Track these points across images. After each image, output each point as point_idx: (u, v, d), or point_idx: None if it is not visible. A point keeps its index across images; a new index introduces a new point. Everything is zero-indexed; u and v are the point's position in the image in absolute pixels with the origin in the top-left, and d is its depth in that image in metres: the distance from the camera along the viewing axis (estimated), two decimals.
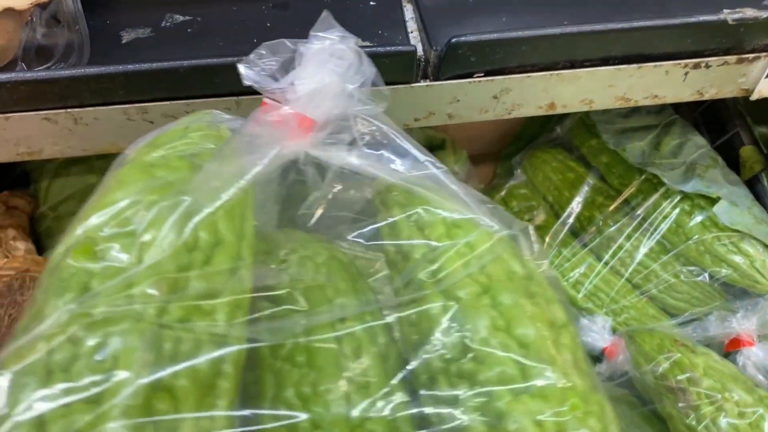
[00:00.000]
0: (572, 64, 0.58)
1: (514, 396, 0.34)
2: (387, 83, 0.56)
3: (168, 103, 0.55)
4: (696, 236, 0.75)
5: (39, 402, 0.28)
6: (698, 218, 0.75)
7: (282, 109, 0.41)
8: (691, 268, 0.77)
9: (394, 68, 0.55)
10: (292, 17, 0.59)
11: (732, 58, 0.60)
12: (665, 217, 0.77)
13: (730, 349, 0.76)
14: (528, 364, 0.34)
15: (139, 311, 0.31)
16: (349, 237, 0.44)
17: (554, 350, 0.36)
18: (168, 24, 0.58)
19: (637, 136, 0.82)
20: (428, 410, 0.36)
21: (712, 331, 0.75)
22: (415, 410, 0.36)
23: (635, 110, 0.85)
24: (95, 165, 0.73)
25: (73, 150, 0.58)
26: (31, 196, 0.73)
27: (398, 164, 0.43)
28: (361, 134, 0.43)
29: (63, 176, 0.72)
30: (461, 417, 0.34)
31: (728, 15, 0.56)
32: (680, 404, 0.65)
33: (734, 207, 0.73)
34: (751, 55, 0.60)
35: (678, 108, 0.88)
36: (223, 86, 0.54)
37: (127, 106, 0.55)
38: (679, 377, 0.66)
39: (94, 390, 0.28)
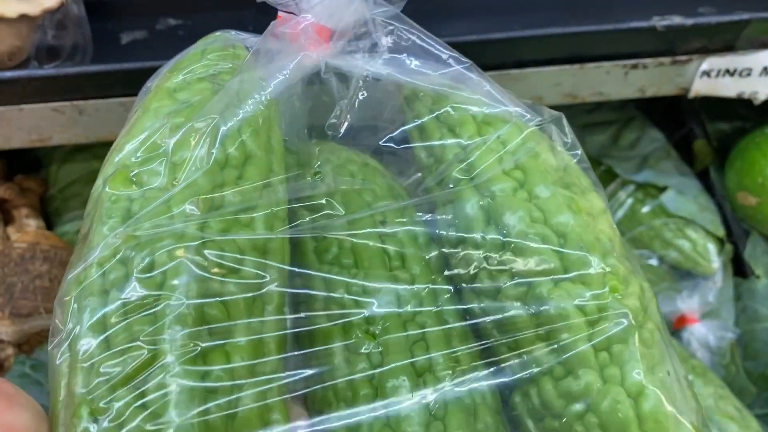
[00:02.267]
0: (520, 64, 0.65)
1: (555, 283, 0.35)
2: None
3: None
4: (647, 223, 0.81)
5: (100, 320, 0.30)
6: (649, 206, 0.82)
7: (297, 20, 0.41)
8: (643, 251, 0.84)
9: None
10: None
11: (666, 60, 0.67)
12: (620, 205, 0.84)
13: (677, 326, 0.83)
14: (567, 252, 0.35)
15: (180, 229, 0.32)
16: (381, 143, 0.43)
17: (592, 237, 0.36)
18: (162, 27, 0.66)
19: (598, 130, 0.88)
20: (472, 304, 0.37)
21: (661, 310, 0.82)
22: (459, 305, 0.37)
23: (599, 107, 0.92)
24: (98, 152, 0.81)
25: (78, 138, 0.66)
26: (42, 179, 0.81)
27: (422, 66, 0.42)
28: (382, 38, 0.42)
29: (70, 162, 0.80)
30: (503, 306, 0.35)
31: (657, 22, 0.63)
32: None
33: (681, 196, 0.80)
34: (684, 57, 0.67)
35: (641, 105, 0.95)
36: None
37: (125, 99, 0.63)
38: None
39: (149, 303, 0.30)
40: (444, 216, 0.39)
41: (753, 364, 0.79)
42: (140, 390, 0.29)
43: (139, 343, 0.29)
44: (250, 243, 0.34)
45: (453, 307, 0.37)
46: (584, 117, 0.90)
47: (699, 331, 0.80)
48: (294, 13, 0.41)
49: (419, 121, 0.42)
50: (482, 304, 0.36)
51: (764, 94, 0.71)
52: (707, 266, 0.79)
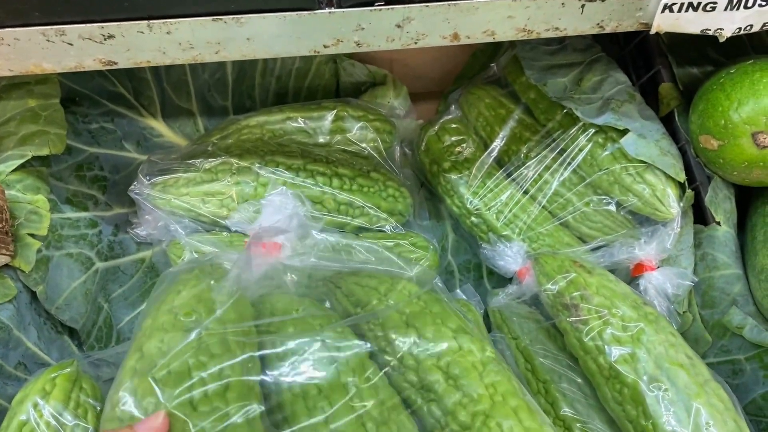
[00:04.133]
0: None
1: None
2: (292, 9, 0.60)
3: (86, 25, 0.59)
4: (606, 167, 0.79)
5: None
6: (609, 150, 0.79)
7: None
8: (602, 197, 0.82)
9: None
10: None
11: None
12: (581, 150, 0.81)
13: (635, 274, 0.81)
14: None
15: None
16: None
17: None
18: None
19: (561, 72, 0.85)
20: None
21: (617, 257, 0.80)
22: None
23: (562, 48, 0.88)
24: (34, 90, 0.77)
25: (1, 70, 0.62)
26: None
27: None
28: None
29: (3, 100, 0.76)
30: None
31: None
32: (572, 319, 0.70)
33: (642, 139, 0.77)
34: None
35: (606, 46, 0.91)
36: (133, 10, 0.58)
37: (46, 28, 0.59)
38: (573, 294, 0.71)
39: None
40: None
41: (710, 312, 0.77)
42: None
43: None
44: None
45: None
46: (546, 58, 0.86)
47: (656, 279, 0.78)
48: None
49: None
50: None
51: (729, 30, 0.67)
52: (666, 212, 0.77)
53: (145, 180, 0.82)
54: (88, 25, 0.59)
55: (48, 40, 0.60)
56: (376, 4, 0.60)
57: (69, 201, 0.82)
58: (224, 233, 0.82)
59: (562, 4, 0.63)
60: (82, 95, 0.89)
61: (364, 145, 0.90)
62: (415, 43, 0.65)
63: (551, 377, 0.73)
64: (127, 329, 0.84)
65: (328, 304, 0.64)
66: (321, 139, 0.90)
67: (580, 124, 0.82)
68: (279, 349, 0.56)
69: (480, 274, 0.95)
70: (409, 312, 0.60)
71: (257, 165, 0.81)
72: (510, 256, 0.82)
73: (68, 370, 0.65)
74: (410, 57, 1.06)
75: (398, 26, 0.63)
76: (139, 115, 0.95)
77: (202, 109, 0.99)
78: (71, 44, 0.60)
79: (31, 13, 0.57)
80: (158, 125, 0.97)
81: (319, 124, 0.90)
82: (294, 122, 0.90)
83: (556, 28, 0.66)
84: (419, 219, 0.93)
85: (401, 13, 0.61)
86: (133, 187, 0.82)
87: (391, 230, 0.86)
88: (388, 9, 0.61)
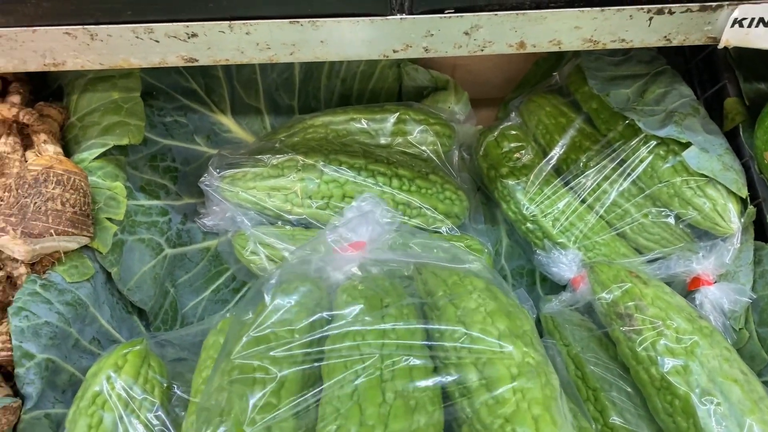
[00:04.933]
0: (538, 5, 0.63)
1: None
2: (366, 14, 0.62)
3: (171, 24, 0.63)
4: (667, 179, 0.79)
5: None
6: (670, 162, 0.79)
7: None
8: (661, 209, 0.82)
9: (370, 0, 0.61)
10: None
11: (695, 6, 0.63)
12: (641, 161, 0.81)
13: (692, 288, 0.81)
14: None
15: None
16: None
17: None
18: None
19: (624, 83, 0.85)
20: None
21: (674, 270, 0.80)
22: None
23: (626, 59, 0.88)
24: (118, 83, 0.82)
25: (91, 64, 0.66)
26: (63, 107, 0.82)
27: None
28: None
29: (90, 92, 0.81)
30: None
31: None
32: (626, 328, 0.71)
33: (704, 153, 0.77)
34: (714, 3, 0.63)
35: (671, 59, 0.91)
36: (218, 10, 0.61)
37: (136, 26, 0.63)
38: (627, 304, 0.71)
39: None
40: None
41: (767, 330, 0.77)
42: None
43: None
44: None
45: None
46: (611, 69, 0.87)
47: (713, 294, 0.78)
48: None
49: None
50: None
51: None
52: (726, 227, 0.76)
53: (215, 173, 0.86)
54: (174, 23, 0.63)
55: (137, 37, 0.64)
56: (446, 11, 0.62)
57: (143, 189, 0.86)
58: (287, 227, 0.85)
59: (630, 16, 0.64)
60: (159, 90, 0.94)
61: (424, 147, 0.92)
62: (482, 50, 0.67)
63: (601, 385, 0.73)
64: (191, 314, 0.88)
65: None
66: (382, 141, 0.92)
67: (642, 135, 0.82)
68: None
69: (533, 279, 0.95)
70: (463, 307, 0.61)
71: (321, 163, 0.84)
72: (565, 264, 0.83)
73: (138, 347, 0.69)
74: (472, 63, 1.08)
75: (466, 33, 0.65)
76: (210, 111, 1.00)
77: (269, 107, 1.03)
78: (157, 41, 0.64)
79: (123, 11, 0.61)
80: (227, 121, 1.01)
81: (381, 126, 0.92)
82: (357, 123, 0.92)
83: (623, 40, 0.67)
84: (474, 223, 0.95)
85: (470, 21, 0.63)
86: (203, 178, 0.87)
87: (447, 232, 0.88)
88: (458, 17, 0.63)
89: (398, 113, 0.93)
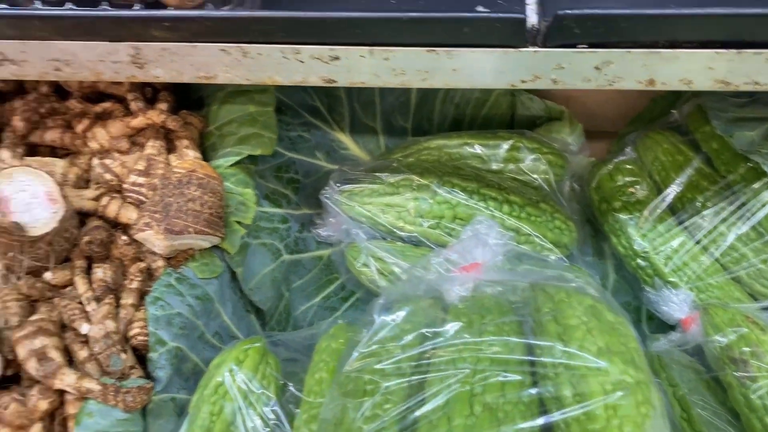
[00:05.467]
0: (672, 45, 0.63)
1: None
2: (500, 45, 0.65)
3: (317, 47, 0.67)
4: None
5: None
6: None
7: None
8: None
9: (506, 33, 0.64)
10: None
11: None
12: (763, 205, 0.80)
13: None
14: None
15: None
16: None
17: None
18: None
19: (749, 125, 0.84)
20: None
21: None
22: None
23: (752, 101, 0.87)
24: (255, 98, 0.88)
25: (240, 78, 0.72)
26: (203, 117, 0.89)
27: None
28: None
29: (229, 103, 0.88)
30: None
31: None
32: (740, 374, 0.69)
33: None
34: None
35: None
36: (360, 36, 0.66)
37: (285, 46, 0.68)
38: (743, 349, 0.70)
39: None
40: None
41: None
42: None
43: None
44: None
45: None
46: (735, 110, 0.86)
47: None
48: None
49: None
50: None
51: None
52: None
53: (335, 186, 0.90)
54: (320, 46, 0.68)
55: (284, 57, 0.69)
56: (579, 46, 0.64)
57: (267, 197, 0.92)
58: (398, 243, 0.88)
59: (767, 60, 0.64)
60: (287, 106, 1.00)
61: (535, 176, 0.94)
62: (610, 85, 0.68)
63: (708, 430, 0.72)
64: (302, 317, 0.92)
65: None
66: (494, 166, 0.94)
67: (766, 179, 0.80)
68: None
69: (639, 317, 0.94)
70: (565, 323, 0.62)
71: (435, 184, 0.87)
72: (675, 303, 0.82)
73: (258, 345, 0.74)
74: (587, 95, 1.08)
75: (597, 68, 0.66)
76: (330, 128, 1.05)
77: (384, 128, 1.08)
78: (302, 62, 0.69)
79: (276, 33, 0.67)
80: (345, 139, 1.06)
81: (494, 152, 0.95)
82: (471, 148, 0.95)
83: (756, 83, 0.67)
84: (582, 254, 0.95)
85: (602, 56, 0.65)
86: (324, 191, 0.91)
87: (552, 262, 0.88)
88: (591, 52, 0.64)
89: (512, 140, 0.95)
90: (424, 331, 0.62)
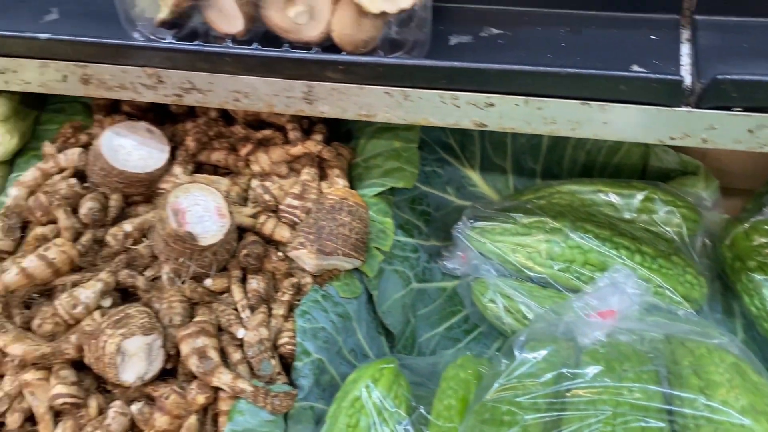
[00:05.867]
0: None
1: None
2: (655, 104, 0.68)
3: (474, 94, 0.73)
4: None
5: None
6: None
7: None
8: None
9: (661, 92, 0.66)
10: (584, 42, 0.72)
11: None
12: None
13: None
14: None
15: None
16: None
17: None
18: (485, 35, 0.76)
19: None
20: None
21: None
22: None
23: None
24: (400, 134, 0.94)
25: (397, 118, 0.78)
26: (352, 149, 0.97)
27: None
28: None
29: (376, 138, 0.95)
30: None
31: None
32: None
33: None
34: None
35: None
36: (519, 87, 0.70)
37: (444, 92, 0.74)
38: None
39: None
40: None
41: None
42: None
43: None
44: None
45: None
46: None
47: None
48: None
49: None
50: None
51: None
52: None
53: (467, 222, 0.95)
54: (477, 94, 0.73)
55: (442, 101, 0.75)
56: (734, 109, 0.66)
57: (401, 227, 0.98)
58: (526, 282, 0.91)
59: None
60: (424, 142, 1.05)
61: (668, 228, 0.95)
62: (761, 148, 0.69)
63: None
64: (425, 344, 0.97)
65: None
66: (627, 215, 0.96)
67: None
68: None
69: None
70: (707, 378, 0.63)
71: (568, 228, 0.90)
72: None
73: (392, 366, 0.79)
74: (724, 152, 1.08)
75: (750, 131, 0.67)
76: (461, 165, 1.10)
77: (513, 169, 1.11)
78: (458, 107, 0.75)
79: (439, 80, 0.73)
80: (475, 176, 1.10)
81: (628, 201, 0.96)
82: (604, 195, 0.97)
83: None
84: (710, 311, 0.94)
85: (757, 120, 0.66)
86: (456, 226, 0.96)
87: (683, 315, 0.88)
88: (746, 115, 0.66)
89: (647, 191, 0.96)
90: (563, 371, 0.65)
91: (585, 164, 1.10)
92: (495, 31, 0.76)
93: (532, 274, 0.91)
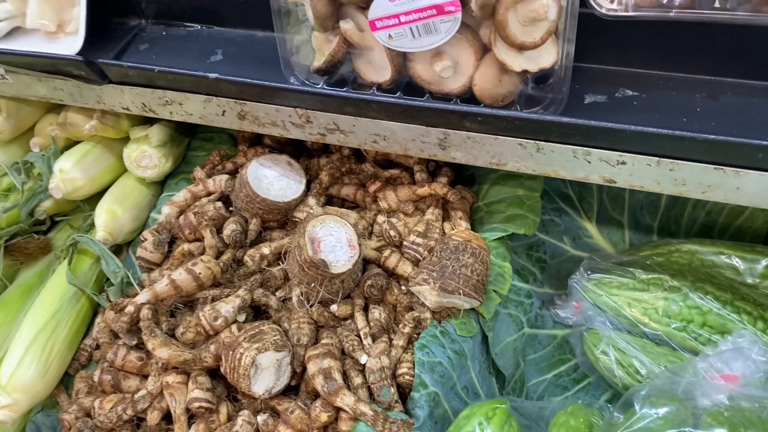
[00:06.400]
0: None
1: None
2: None
3: (607, 151, 0.76)
4: None
5: None
6: None
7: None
8: None
9: None
10: (720, 108, 0.74)
11: None
12: None
13: None
14: None
15: None
16: None
17: None
18: (620, 95, 0.79)
19: None
20: None
21: None
22: None
23: None
24: (524, 183, 0.98)
25: (526, 168, 0.82)
26: (474, 193, 1.01)
27: None
28: None
29: (500, 185, 0.99)
30: None
31: None
32: None
33: None
34: None
35: None
36: (652, 148, 0.73)
37: (577, 147, 0.77)
38: None
39: None
40: None
41: None
42: None
43: None
44: None
45: None
46: None
47: None
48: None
49: None
50: None
51: None
52: None
53: (584, 273, 0.97)
54: (610, 151, 0.76)
55: (574, 156, 0.78)
56: None
57: (517, 272, 1.01)
58: (641, 338, 0.92)
59: None
60: (544, 191, 1.08)
61: None
62: None
63: None
64: (533, 389, 0.99)
65: None
66: (749, 280, 0.95)
67: None
68: None
69: None
70: None
71: (687, 288, 0.90)
72: None
73: (504, 406, 0.81)
74: None
75: None
76: (578, 216, 1.12)
77: (630, 223, 1.12)
78: (589, 162, 0.78)
79: (573, 135, 0.76)
80: (591, 228, 1.12)
81: (751, 266, 0.95)
82: (726, 258, 0.96)
83: None
84: None
85: None
86: (573, 276, 0.98)
87: None
88: None
89: None
90: (685, 429, 0.66)
91: (704, 224, 1.09)
92: (630, 92, 0.79)
93: (647, 330, 0.91)
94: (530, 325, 1.00)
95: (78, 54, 0.95)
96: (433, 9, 0.73)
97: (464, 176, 1.07)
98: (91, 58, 0.96)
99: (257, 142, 1.17)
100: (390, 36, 0.76)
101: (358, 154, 1.10)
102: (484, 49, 0.77)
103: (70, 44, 0.96)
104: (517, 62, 0.75)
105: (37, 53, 0.96)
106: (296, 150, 1.14)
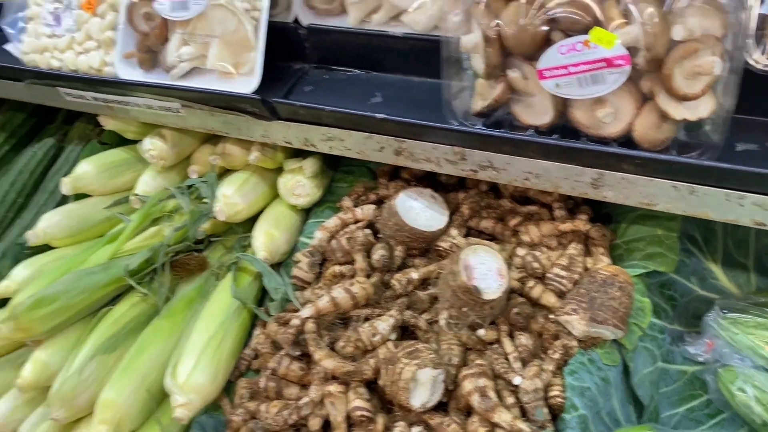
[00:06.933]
0: None
1: None
2: None
3: (761, 196, 0.81)
4: None
5: None
6: None
7: None
8: None
9: None
10: None
11: None
12: None
13: None
14: None
15: None
16: None
17: None
18: None
19: None
20: None
21: None
22: None
23: None
24: (663, 222, 1.04)
25: (676, 209, 0.88)
26: (612, 231, 1.07)
27: None
28: None
29: (639, 224, 1.05)
30: None
31: None
32: None
33: None
34: None
35: None
36: None
37: (730, 191, 0.82)
38: None
39: None
40: None
41: None
42: None
43: None
44: None
45: None
46: None
47: None
48: None
49: None
50: None
51: None
52: None
53: (720, 312, 1.01)
54: (764, 197, 0.81)
55: (727, 199, 0.83)
56: None
57: (652, 308, 1.06)
58: None
59: None
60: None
61: None
62: None
63: None
64: (667, 420, 1.02)
65: None
66: None
67: None
68: None
69: None
70: None
71: None
72: None
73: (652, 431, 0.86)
74: None
75: None
76: (704, 258, 1.16)
77: (756, 267, 1.15)
78: (742, 206, 0.83)
79: (728, 180, 0.82)
80: (717, 270, 1.16)
81: None
82: None
83: None
84: None
85: None
86: (708, 313, 1.02)
87: None
88: None
89: None
90: None
91: None
92: None
93: None
94: (663, 359, 1.04)
95: (254, 93, 1.07)
96: (603, 62, 0.80)
97: (600, 214, 1.13)
98: (264, 97, 1.07)
99: (395, 176, 1.26)
100: (557, 85, 0.84)
101: (494, 190, 1.18)
102: (644, 98, 0.84)
103: (245, 84, 1.08)
104: (678, 111, 0.82)
105: (220, 91, 1.09)
106: (432, 184, 1.23)
